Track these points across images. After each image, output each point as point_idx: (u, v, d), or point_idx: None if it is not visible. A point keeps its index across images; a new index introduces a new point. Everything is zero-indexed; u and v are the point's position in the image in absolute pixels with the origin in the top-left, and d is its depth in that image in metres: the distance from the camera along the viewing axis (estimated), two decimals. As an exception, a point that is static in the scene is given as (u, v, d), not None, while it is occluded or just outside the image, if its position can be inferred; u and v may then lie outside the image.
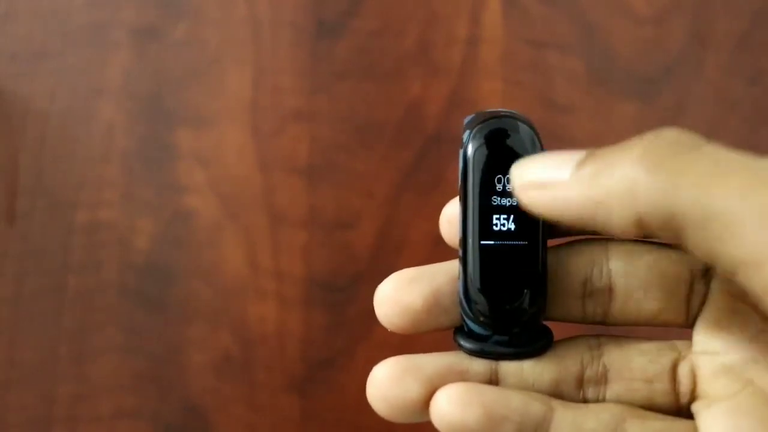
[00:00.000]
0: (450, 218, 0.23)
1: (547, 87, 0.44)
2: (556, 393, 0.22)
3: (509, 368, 0.22)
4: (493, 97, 0.44)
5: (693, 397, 0.22)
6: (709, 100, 0.43)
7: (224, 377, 0.43)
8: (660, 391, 0.22)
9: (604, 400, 0.22)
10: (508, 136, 0.23)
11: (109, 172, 0.44)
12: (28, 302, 0.43)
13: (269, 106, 0.44)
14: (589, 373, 0.23)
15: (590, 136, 0.44)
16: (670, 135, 0.19)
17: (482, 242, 0.22)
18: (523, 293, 0.22)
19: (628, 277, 0.22)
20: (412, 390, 0.21)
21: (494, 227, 0.22)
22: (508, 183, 0.22)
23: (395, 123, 0.44)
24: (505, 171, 0.22)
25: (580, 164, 0.20)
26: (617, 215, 0.19)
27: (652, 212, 0.18)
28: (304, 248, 0.43)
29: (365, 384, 0.22)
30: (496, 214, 0.22)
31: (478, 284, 0.22)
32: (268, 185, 0.44)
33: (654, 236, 0.19)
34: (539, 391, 0.22)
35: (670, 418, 0.22)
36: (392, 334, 0.23)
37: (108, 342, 0.43)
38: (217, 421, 0.43)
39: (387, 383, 0.22)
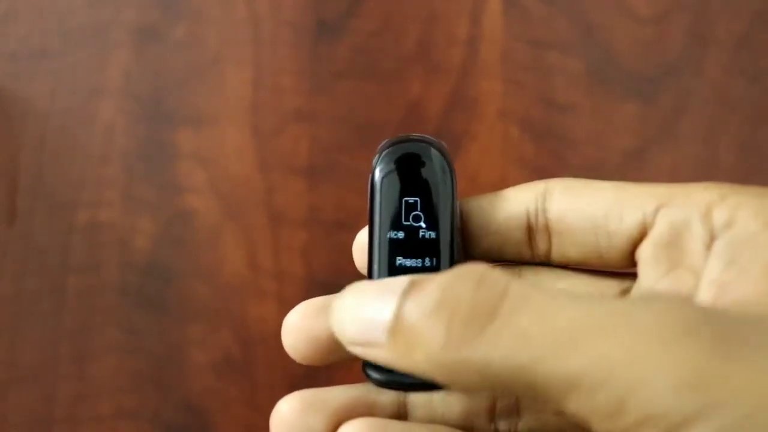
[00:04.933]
0: (362, 246, 0.23)
1: (547, 87, 0.44)
2: (467, 426, 0.22)
3: (418, 400, 0.22)
4: (493, 97, 0.44)
5: None
6: (709, 100, 0.43)
7: (224, 377, 0.43)
8: (572, 423, 0.22)
9: None
10: (416, 160, 0.22)
11: (109, 172, 0.44)
12: (28, 302, 0.43)
13: (269, 106, 0.44)
14: (500, 404, 0.22)
15: (590, 136, 0.44)
16: (468, 294, 0.18)
17: (389, 268, 0.22)
18: None
19: None
20: (316, 426, 0.21)
21: (401, 252, 0.22)
22: (415, 209, 0.22)
23: (395, 123, 0.44)
24: (413, 196, 0.22)
25: (394, 329, 0.18)
26: (447, 384, 0.18)
27: (477, 384, 0.18)
28: (304, 248, 0.43)
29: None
30: (403, 239, 0.22)
31: None
32: (268, 185, 0.44)
33: None
34: (449, 423, 0.22)
35: None
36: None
37: (108, 342, 0.43)
38: (217, 421, 0.43)
39: (290, 418, 0.21)
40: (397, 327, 0.18)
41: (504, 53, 0.44)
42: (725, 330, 0.16)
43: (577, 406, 0.16)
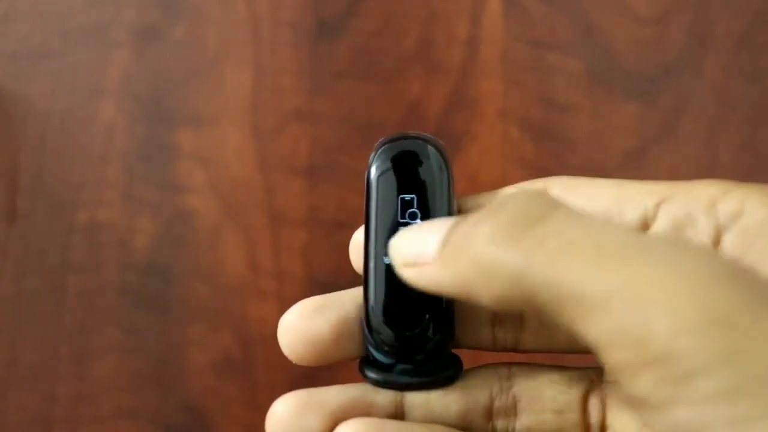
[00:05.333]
0: (359, 246, 0.23)
1: (547, 87, 0.44)
2: (464, 425, 0.22)
3: (415, 399, 0.22)
4: (493, 97, 0.44)
5: (602, 428, 0.22)
6: (709, 100, 0.43)
7: (224, 377, 0.43)
8: (570, 422, 0.22)
9: None
10: (413, 158, 0.22)
11: (109, 172, 0.44)
12: (28, 302, 0.43)
13: (269, 106, 0.44)
14: (498, 404, 0.22)
15: (590, 136, 0.44)
16: (520, 203, 0.18)
17: (386, 267, 0.22)
18: (425, 320, 0.21)
19: None
20: (312, 426, 0.21)
21: None
22: (411, 206, 0.22)
23: (395, 123, 0.44)
24: (410, 193, 0.22)
25: (444, 241, 0.19)
26: (482, 295, 0.18)
27: (510, 293, 0.18)
28: (304, 248, 0.43)
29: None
30: None
31: (380, 310, 0.21)
32: (268, 185, 0.44)
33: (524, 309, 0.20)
34: (446, 423, 0.22)
35: None
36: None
37: (108, 342, 0.43)
38: (217, 421, 0.43)
39: (286, 419, 0.21)
40: (447, 239, 0.19)
41: (504, 53, 0.44)
42: (760, 283, 0.16)
43: (600, 328, 0.16)
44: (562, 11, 0.44)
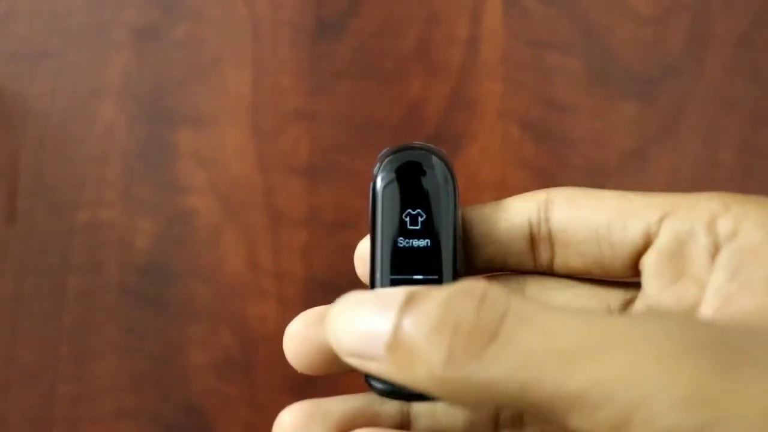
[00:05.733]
0: (363, 256, 0.23)
1: (547, 87, 0.44)
2: None
3: (421, 410, 0.22)
4: (493, 97, 0.44)
5: None
6: (709, 100, 0.43)
7: (224, 377, 0.43)
8: None
9: None
10: (418, 168, 0.22)
11: (109, 172, 0.44)
12: (28, 302, 0.43)
13: (269, 106, 0.44)
14: (504, 414, 0.22)
15: (590, 136, 0.44)
16: (469, 314, 0.18)
17: (392, 277, 0.22)
18: None
19: None
20: None
21: (403, 262, 0.22)
22: (417, 217, 0.22)
23: (395, 123, 0.44)
24: (415, 205, 0.22)
25: (393, 344, 0.18)
26: (445, 401, 0.18)
27: (476, 401, 0.18)
28: (304, 248, 0.43)
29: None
30: (405, 249, 0.22)
31: None
32: (268, 185, 0.44)
33: None
34: None
35: None
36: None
37: (108, 342, 0.43)
38: (217, 421, 0.43)
39: (293, 429, 0.21)
40: (396, 342, 0.18)
41: (504, 53, 0.44)
42: (726, 346, 0.16)
43: (579, 423, 0.16)
44: (562, 11, 0.44)
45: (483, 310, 0.17)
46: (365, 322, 0.19)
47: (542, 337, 0.17)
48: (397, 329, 0.18)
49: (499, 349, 0.17)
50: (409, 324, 0.18)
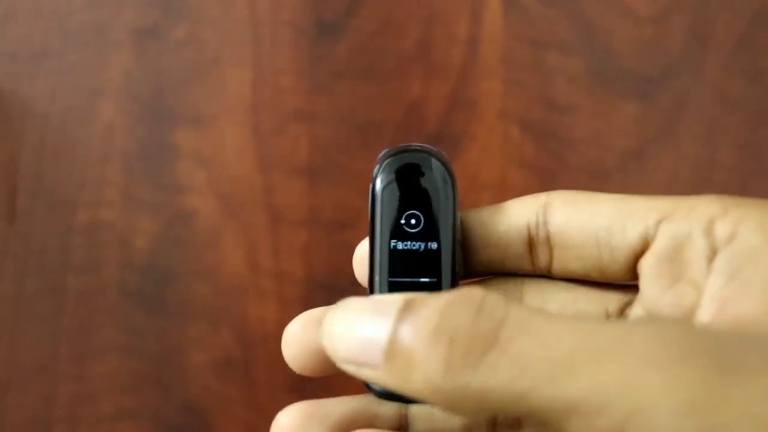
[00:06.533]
0: (362, 258, 0.23)
1: (547, 87, 0.44)
2: None
3: (419, 412, 0.22)
4: (493, 97, 0.44)
5: None
6: (709, 100, 0.43)
7: (224, 377, 0.43)
8: None
9: None
10: (418, 171, 0.22)
11: (109, 172, 0.44)
12: (28, 302, 0.43)
13: (269, 106, 0.44)
14: (501, 417, 0.22)
15: (590, 136, 0.44)
16: (467, 321, 0.17)
17: (390, 280, 0.22)
18: None
19: None
20: None
21: (402, 264, 0.22)
22: (416, 219, 0.22)
23: (395, 123, 0.44)
24: (414, 207, 0.22)
25: (391, 352, 0.18)
26: (443, 409, 0.18)
27: (474, 410, 0.18)
28: (304, 248, 0.43)
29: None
30: (404, 251, 0.22)
31: None
32: (268, 185, 0.44)
33: None
34: None
35: None
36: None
37: (108, 342, 0.43)
38: (217, 421, 0.43)
39: (291, 430, 0.21)
40: (393, 350, 0.18)
41: (504, 53, 0.44)
42: (723, 353, 0.16)
43: (578, 430, 0.16)
44: (562, 11, 0.44)
45: (480, 318, 0.17)
46: (361, 330, 0.18)
47: (540, 345, 0.17)
48: (394, 337, 0.18)
49: (496, 357, 0.17)
50: (406, 332, 0.18)
